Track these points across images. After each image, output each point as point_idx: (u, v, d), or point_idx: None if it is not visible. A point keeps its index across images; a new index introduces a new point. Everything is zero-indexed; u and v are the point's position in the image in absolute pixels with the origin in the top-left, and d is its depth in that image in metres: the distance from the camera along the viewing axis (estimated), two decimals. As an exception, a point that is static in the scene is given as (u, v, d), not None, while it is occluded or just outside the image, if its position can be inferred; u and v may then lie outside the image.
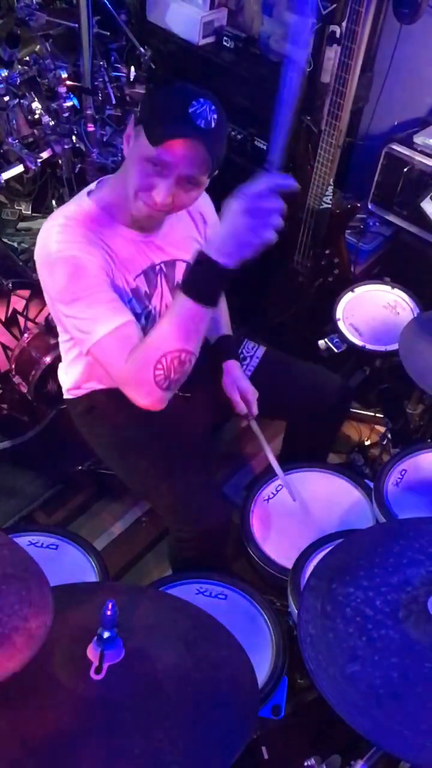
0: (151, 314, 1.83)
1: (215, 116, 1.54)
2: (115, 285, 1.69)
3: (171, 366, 1.55)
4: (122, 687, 1.19)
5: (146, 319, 1.82)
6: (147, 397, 1.59)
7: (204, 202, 1.89)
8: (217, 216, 1.91)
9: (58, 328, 1.85)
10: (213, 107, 1.54)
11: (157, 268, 1.79)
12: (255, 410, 1.98)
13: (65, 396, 2.01)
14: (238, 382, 1.98)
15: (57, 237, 1.64)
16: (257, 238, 1.39)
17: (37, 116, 2.59)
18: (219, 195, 1.93)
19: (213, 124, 1.53)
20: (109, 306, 1.63)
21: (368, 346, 2.33)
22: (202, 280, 1.48)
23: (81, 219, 1.67)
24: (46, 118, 2.59)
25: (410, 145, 2.59)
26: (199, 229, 1.88)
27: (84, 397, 1.94)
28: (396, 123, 2.72)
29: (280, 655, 1.60)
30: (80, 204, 1.71)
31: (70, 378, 1.94)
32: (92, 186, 1.76)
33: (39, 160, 2.61)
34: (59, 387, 2.02)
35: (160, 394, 1.58)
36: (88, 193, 1.74)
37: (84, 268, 1.62)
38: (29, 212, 3.32)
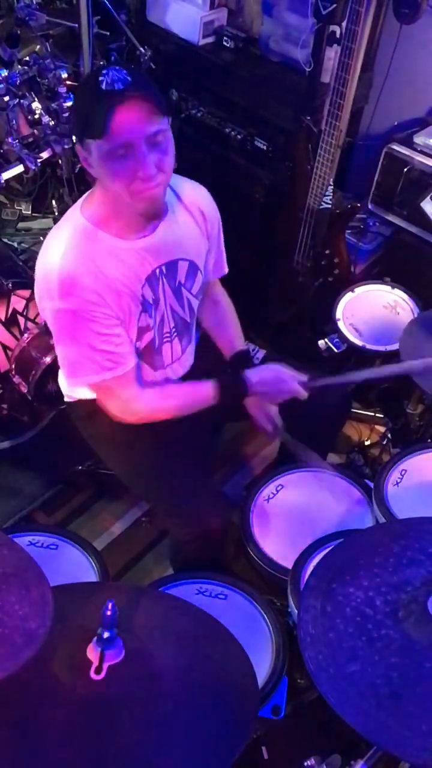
0: (164, 318, 1.84)
1: (125, 71, 1.52)
2: (127, 312, 1.73)
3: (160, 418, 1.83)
4: (122, 687, 1.19)
5: (159, 326, 1.83)
6: (124, 420, 1.83)
7: (202, 198, 1.88)
8: (215, 207, 1.91)
9: None
10: (118, 67, 1.53)
11: (158, 272, 1.78)
12: (279, 422, 1.97)
13: (66, 399, 2.00)
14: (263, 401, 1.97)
15: (58, 285, 1.65)
16: (276, 400, 1.90)
17: (37, 116, 2.59)
18: (219, 194, 1.95)
19: (130, 77, 1.51)
20: (116, 350, 1.72)
21: (368, 346, 2.33)
22: (234, 396, 1.86)
23: (79, 248, 1.67)
24: (46, 118, 2.58)
25: (410, 145, 2.59)
26: (198, 225, 1.86)
27: (85, 401, 1.94)
28: (396, 123, 2.72)
29: (280, 655, 1.60)
30: (75, 226, 1.70)
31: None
32: (83, 199, 1.75)
33: (39, 160, 2.60)
34: (59, 387, 2.02)
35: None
36: (81, 208, 1.72)
37: (90, 319, 1.68)
38: (29, 212, 3.32)
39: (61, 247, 1.67)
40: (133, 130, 1.53)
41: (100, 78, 1.51)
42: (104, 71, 1.51)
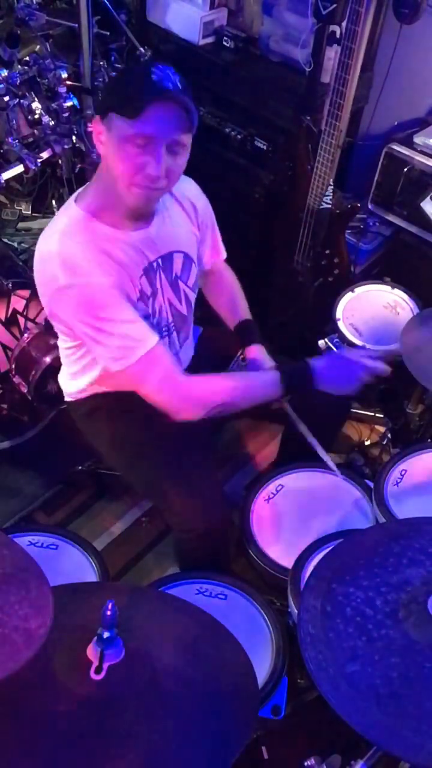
0: (161, 312, 1.83)
1: (177, 77, 1.57)
2: (127, 296, 1.70)
3: (218, 411, 1.73)
4: (122, 687, 1.19)
5: (155, 318, 1.82)
6: (181, 417, 1.73)
7: (191, 189, 1.89)
8: (205, 198, 1.92)
9: (61, 337, 1.84)
10: (172, 70, 1.57)
11: (155, 264, 1.78)
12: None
13: (66, 399, 2.00)
14: (265, 366, 1.97)
15: (60, 265, 1.62)
16: (352, 386, 1.83)
17: (37, 116, 2.59)
18: (219, 194, 1.95)
19: (180, 84, 1.55)
20: (134, 328, 1.65)
21: (368, 346, 2.33)
22: (301, 389, 1.81)
23: (75, 233, 1.66)
24: (46, 118, 2.59)
25: (410, 145, 2.59)
26: (191, 218, 1.88)
27: (86, 400, 1.94)
28: (396, 123, 2.72)
29: (280, 655, 1.60)
30: (70, 215, 1.69)
31: (74, 384, 1.93)
32: (77, 193, 1.74)
33: (39, 160, 2.61)
34: (59, 387, 2.02)
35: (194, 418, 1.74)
36: (76, 201, 1.72)
37: (99, 293, 1.63)
38: (29, 212, 3.32)
39: (57, 234, 1.66)
40: (163, 128, 1.55)
41: (153, 69, 1.55)
42: (158, 65, 1.56)
